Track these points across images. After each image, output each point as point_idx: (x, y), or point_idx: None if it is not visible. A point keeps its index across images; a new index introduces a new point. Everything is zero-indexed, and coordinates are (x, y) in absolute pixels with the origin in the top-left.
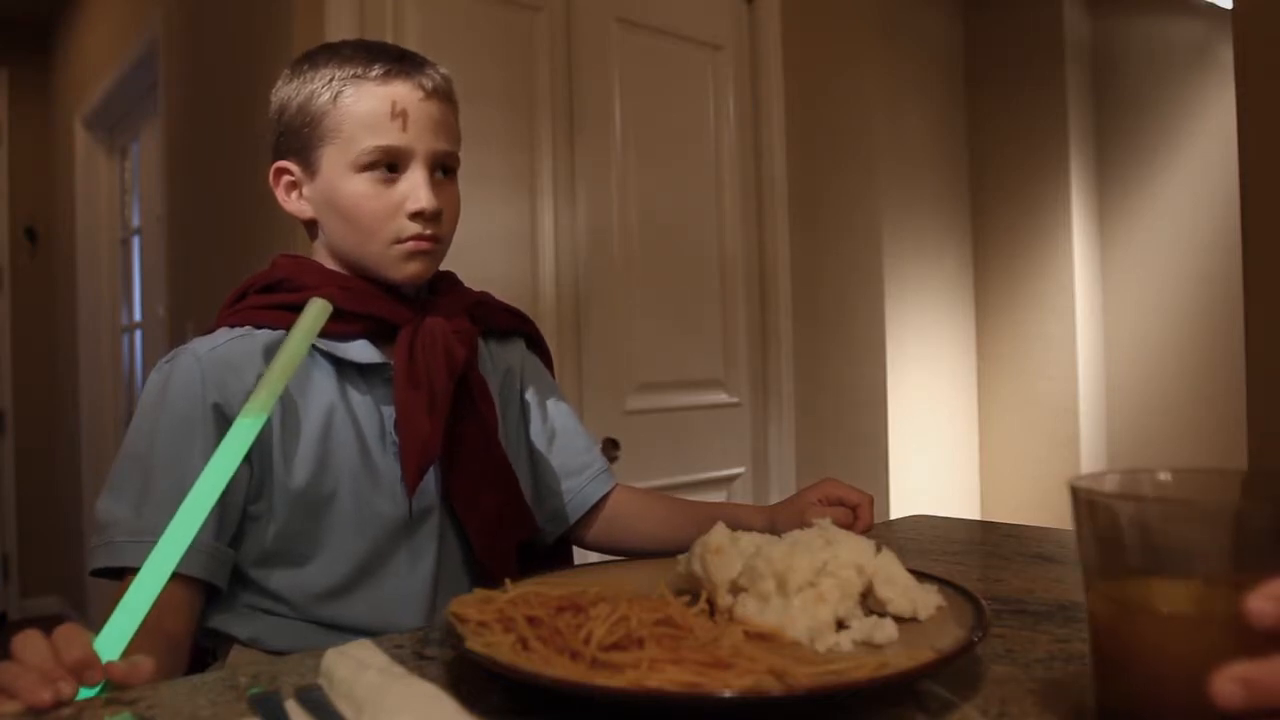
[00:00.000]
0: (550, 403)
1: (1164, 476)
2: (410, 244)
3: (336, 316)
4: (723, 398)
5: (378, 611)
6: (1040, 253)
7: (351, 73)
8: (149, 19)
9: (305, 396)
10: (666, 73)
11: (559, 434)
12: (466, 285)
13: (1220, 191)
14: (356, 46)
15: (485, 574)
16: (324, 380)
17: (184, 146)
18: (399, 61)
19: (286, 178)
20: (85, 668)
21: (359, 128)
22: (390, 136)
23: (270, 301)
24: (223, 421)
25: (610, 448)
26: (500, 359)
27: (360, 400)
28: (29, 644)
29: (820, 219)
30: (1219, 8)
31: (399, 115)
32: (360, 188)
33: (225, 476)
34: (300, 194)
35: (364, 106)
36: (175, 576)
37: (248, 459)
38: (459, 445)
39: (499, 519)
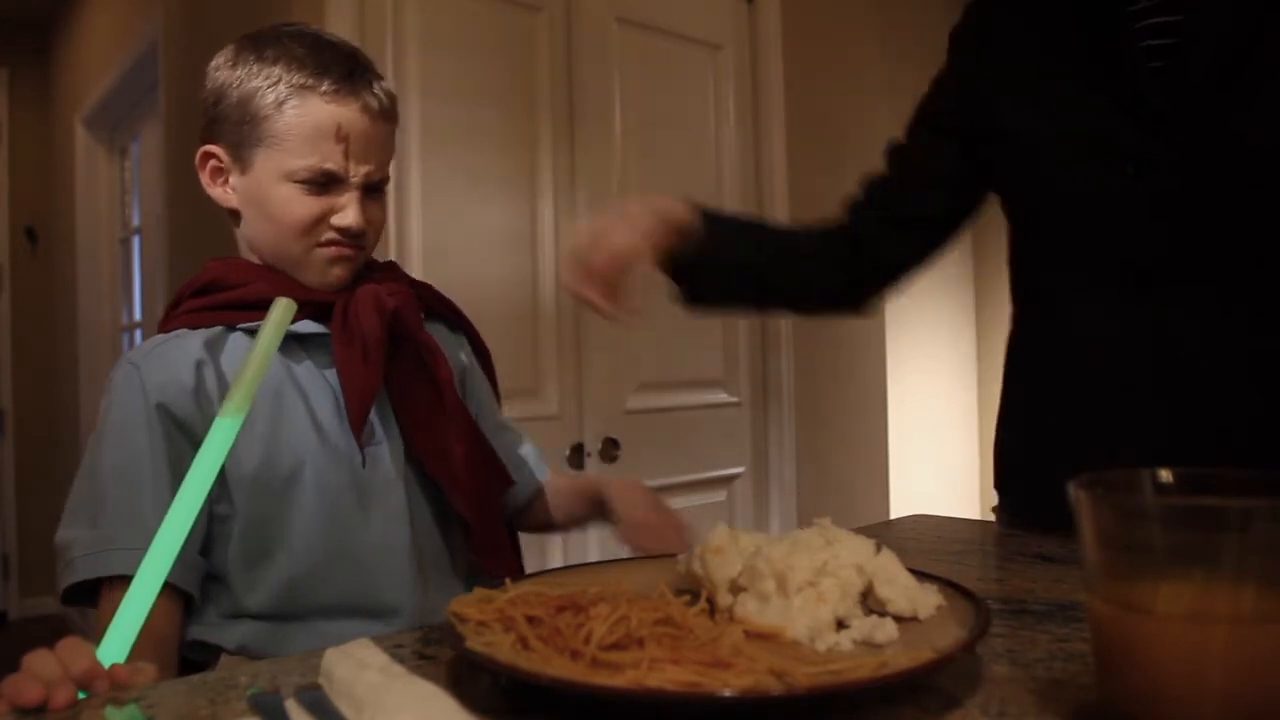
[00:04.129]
0: (490, 403)
1: (1164, 476)
2: (333, 249)
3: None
4: (723, 397)
5: (360, 585)
6: None
7: (300, 81)
8: (149, 19)
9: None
10: (666, 72)
11: (499, 430)
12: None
13: None
14: (308, 45)
15: (467, 528)
16: None
17: (184, 146)
18: (348, 78)
19: (213, 163)
20: (92, 678)
21: (300, 142)
22: (330, 160)
23: (205, 304)
24: (170, 421)
25: (610, 448)
26: (450, 345)
27: (305, 372)
28: (36, 659)
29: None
30: None
31: (342, 140)
32: (290, 194)
33: (210, 478)
34: (227, 182)
35: (308, 122)
36: None
37: None
38: (413, 403)
39: (471, 468)
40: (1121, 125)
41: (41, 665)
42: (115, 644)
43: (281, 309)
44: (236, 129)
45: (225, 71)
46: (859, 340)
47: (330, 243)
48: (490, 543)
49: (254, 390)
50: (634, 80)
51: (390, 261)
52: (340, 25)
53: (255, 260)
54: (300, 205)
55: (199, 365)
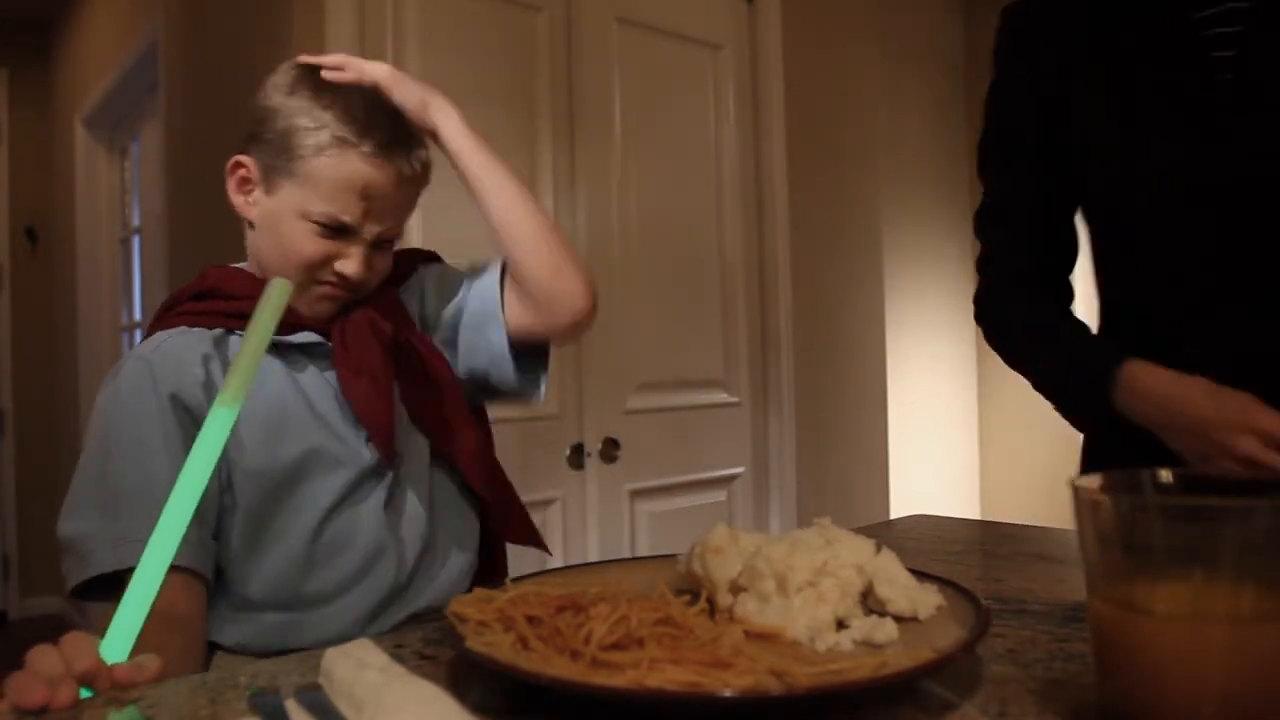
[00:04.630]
0: (454, 290)
1: (1165, 476)
2: (327, 289)
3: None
4: (723, 398)
5: (365, 574)
6: None
7: (343, 135)
8: (149, 19)
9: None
10: (666, 72)
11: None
12: None
13: None
14: (360, 102)
15: (485, 506)
16: (268, 365)
17: (184, 146)
18: (389, 145)
19: (242, 173)
20: (94, 677)
21: (326, 190)
22: (348, 213)
23: (204, 309)
24: (182, 411)
25: (610, 448)
26: (414, 292)
27: (305, 376)
28: (40, 655)
29: (820, 219)
30: None
31: (365, 198)
32: (303, 231)
33: (209, 467)
34: (250, 195)
35: (340, 175)
36: (171, 569)
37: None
38: (423, 410)
39: (479, 449)
40: (1186, 135)
41: (44, 662)
42: (119, 639)
43: (278, 290)
44: (273, 155)
45: (279, 97)
46: (859, 340)
47: (327, 283)
48: (509, 517)
49: (250, 377)
50: (634, 80)
51: None
52: (340, 26)
53: (257, 271)
54: (309, 244)
55: (206, 359)
